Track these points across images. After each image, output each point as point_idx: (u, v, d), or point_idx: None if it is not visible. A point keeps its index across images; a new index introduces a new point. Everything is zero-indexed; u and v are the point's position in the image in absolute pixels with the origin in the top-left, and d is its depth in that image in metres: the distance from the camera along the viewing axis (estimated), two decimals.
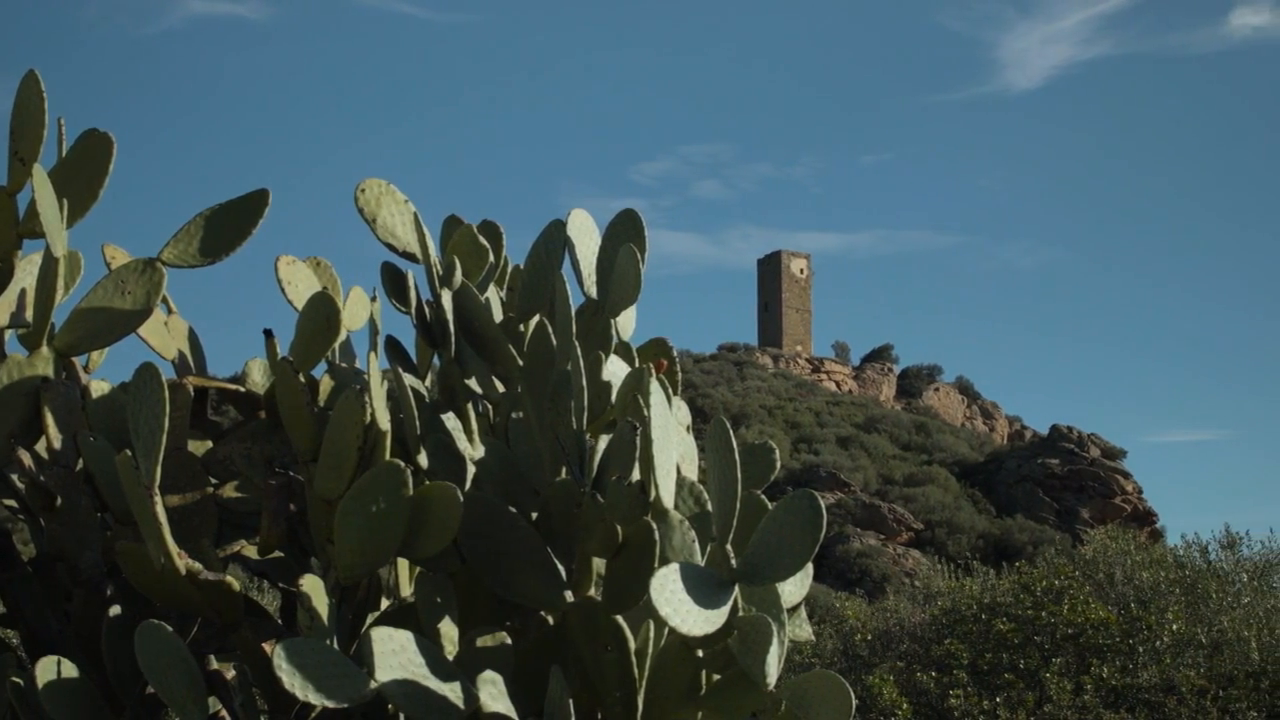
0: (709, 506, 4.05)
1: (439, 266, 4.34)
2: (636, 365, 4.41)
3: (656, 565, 3.69)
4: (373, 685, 3.38)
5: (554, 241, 4.50)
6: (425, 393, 4.48)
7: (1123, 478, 68.78)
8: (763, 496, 4.20)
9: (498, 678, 3.58)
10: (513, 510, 4.10)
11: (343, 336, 4.65)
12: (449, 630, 3.99)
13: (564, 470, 4.13)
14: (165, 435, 3.57)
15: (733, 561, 3.77)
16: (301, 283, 4.52)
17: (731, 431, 3.83)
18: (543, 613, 4.21)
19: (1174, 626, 16.70)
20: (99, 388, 4.35)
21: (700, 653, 3.95)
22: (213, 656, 4.23)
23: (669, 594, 3.45)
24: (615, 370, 4.35)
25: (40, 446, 4.13)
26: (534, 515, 4.19)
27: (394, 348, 4.62)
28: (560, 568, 4.08)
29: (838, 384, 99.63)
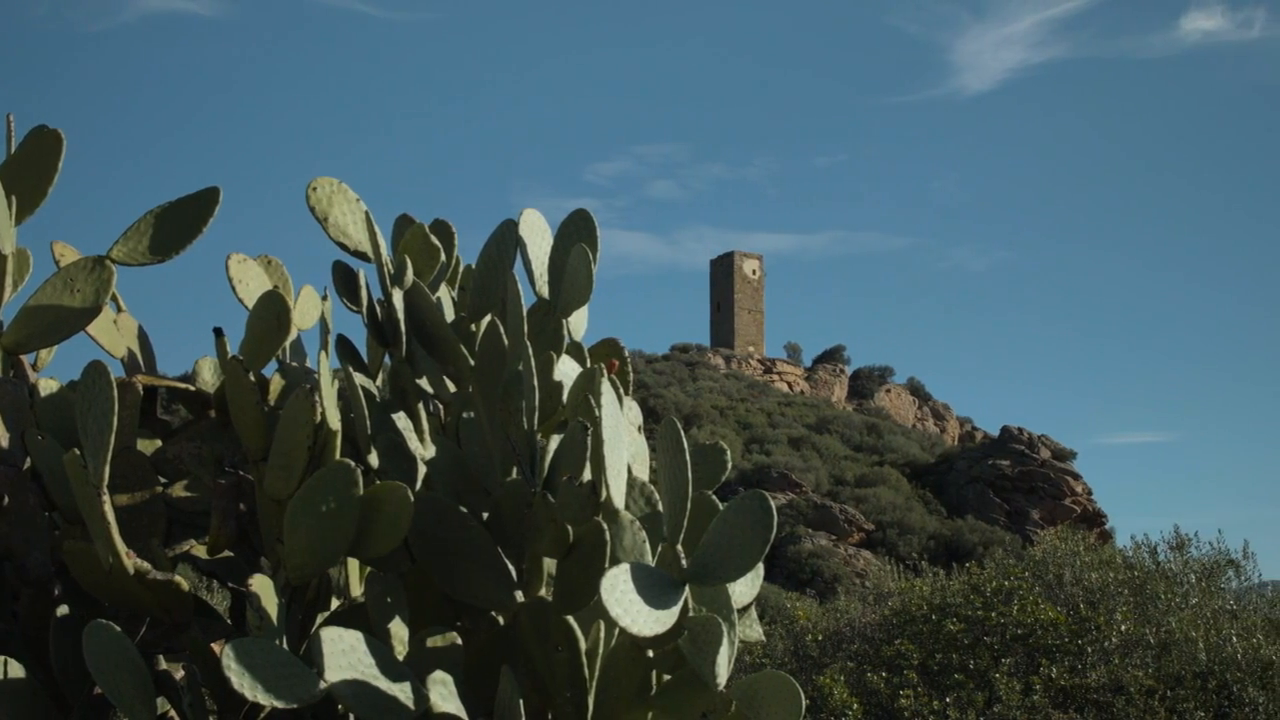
0: (660, 507, 4.06)
1: (390, 265, 4.33)
2: (588, 365, 4.41)
3: (607, 565, 3.69)
4: (322, 685, 3.37)
5: (506, 241, 4.49)
6: (376, 392, 4.47)
7: (1073, 479, 69.05)
8: (714, 497, 4.20)
9: (448, 678, 3.58)
10: (463, 510, 4.10)
11: (293, 335, 4.63)
12: (399, 630, 3.98)
13: (515, 470, 4.13)
14: (114, 434, 3.55)
15: (683, 562, 3.77)
16: (252, 281, 4.51)
17: (683, 432, 3.83)
18: (493, 613, 4.20)
19: (1122, 627, 16.80)
20: (47, 386, 4.32)
21: (651, 653, 3.95)
22: (161, 656, 4.21)
23: (619, 594, 3.45)
24: (567, 370, 4.35)
25: None
26: (485, 515, 4.18)
27: (345, 347, 4.60)
28: (511, 568, 4.08)
29: (789, 385, 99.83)
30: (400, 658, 3.84)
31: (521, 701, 3.68)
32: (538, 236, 4.54)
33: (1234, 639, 16.34)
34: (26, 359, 4.33)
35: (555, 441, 4.13)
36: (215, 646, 3.95)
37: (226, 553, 4.30)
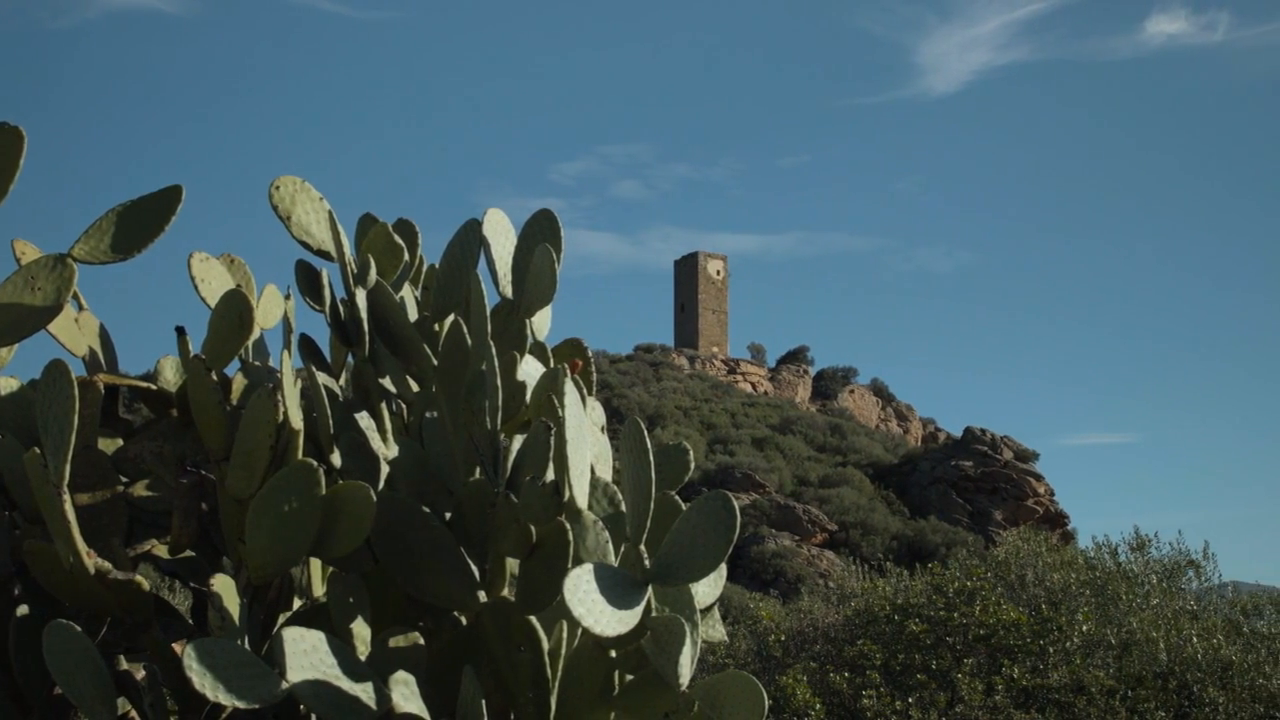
0: (623, 507, 4.06)
1: (353, 265, 4.32)
2: (551, 365, 4.41)
3: (570, 565, 3.69)
4: (284, 686, 3.36)
5: (470, 241, 4.49)
6: (339, 392, 4.46)
7: (1035, 480, 69.31)
8: (677, 497, 4.21)
9: (410, 678, 3.57)
10: (426, 510, 4.09)
11: (256, 334, 4.62)
12: (361, 630, 3.97)
13: (478, 470, 4.12)
14: (75, 433, 3.54)
15: (646, 562, 3.78)
16: (215, 280, 4.49)
17: (646, 432, 3.84)
18: (456, 613, 4.20)
19: (1084, 627, 16.88)
20: (7, 385, 4.30)
21: (613, 653, 3.96)
22: (122, 657, 4.19)
23: (582, 594, 3.45)
24: (530, 370, 4.35)
25: None
26: (448, 515, 4.18)
27: (308, 346, 4.59)
28: (474, 568, 4.07)
29: (753, 385, 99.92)
30: (362, 658, 3.84)
31: (484, 702, 3.68)
32: (501, 236, 4.54)
33: (1194, 639, 16.44)
34: None
35: (518, 441, 4.13)
36: (177, 646, 3.94)
37: (188, 552, 4.29)
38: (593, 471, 4.15)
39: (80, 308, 4.62)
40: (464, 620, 4.19)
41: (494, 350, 4.00)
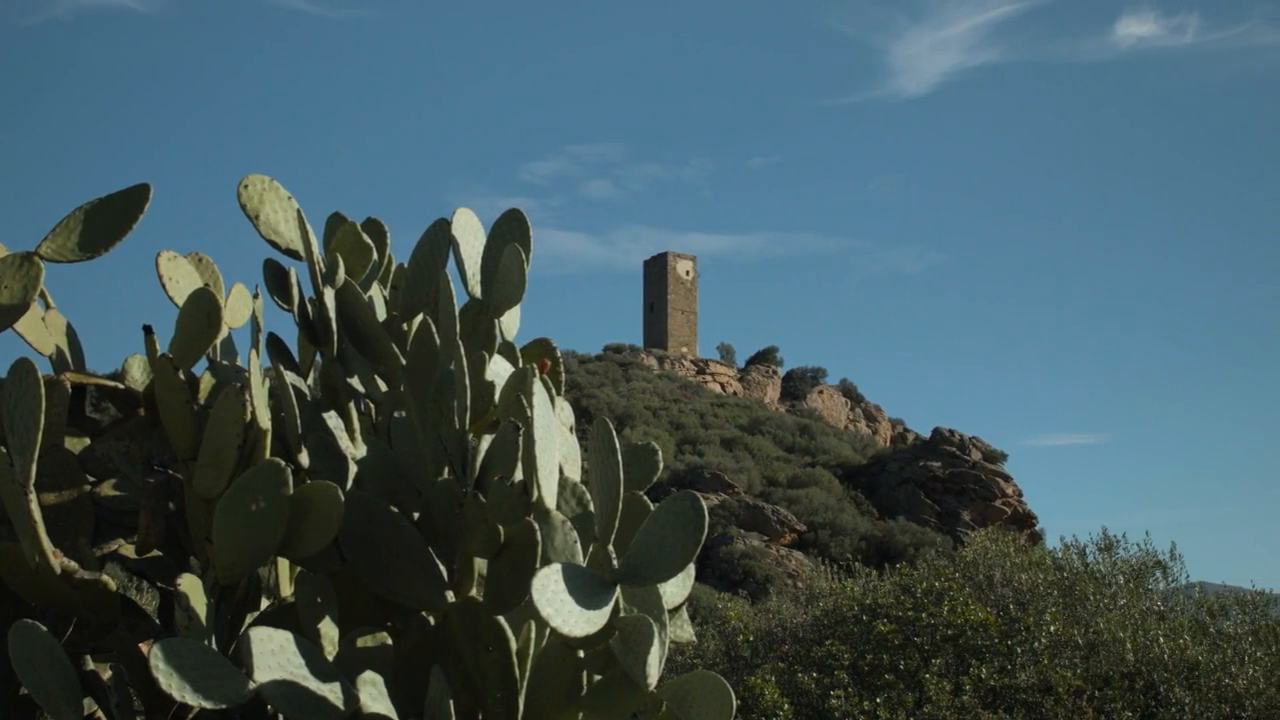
0: (591, 507, 4.06)
1: (322, 264, 4.31)
2: (520, 365, 4.41)
3: (538, 566, 3.69)
4: (251, 686, 3.35)
5: (439, 240, 4.49)
6: (307, 391, 4.46)
7: (1003, 481, 69.45)
8: (645, 498, 4.21)
9: (378, 678, 3.57)
10: (394, 510, 4.08)
11: (224, 334, 4.61)
12: (329, 630, 3.97)
13: (446, 470, 4.12)
14: (41, 432, 3.52)
15: (614, 562, 3.78)
16: (183, 279, 4.48)
17: (615, 432, 3.84)
18: (424, 613, 4.19)
19: (1051, 628, 16.92)
20: None
21: (581, 653, 3.96)
22: (89, 656, 4.18)
23: (550, 594, 3.45)
24: (499, 370, 4.35)
25: None
26: (416, 515, 4.18)
27: (276, 345, 4.58)
28: (442, 568, 4.07)
29: (722, 386, 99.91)
30: (330, 658, 3.83)
31: (452, 702, 3.68)
32: (470, 236, 4.54)
33: (1161, 639, 16.50)
34: None
35: (487, 441, 4.12)
36: (143, 646, 3.93)
37: (155, 552, 4.27)
38: (561, 472, 4.15)
39: (47, 306, 4.60)
40: (432, 620, 4.18)
41: (462, 350, 3.99)
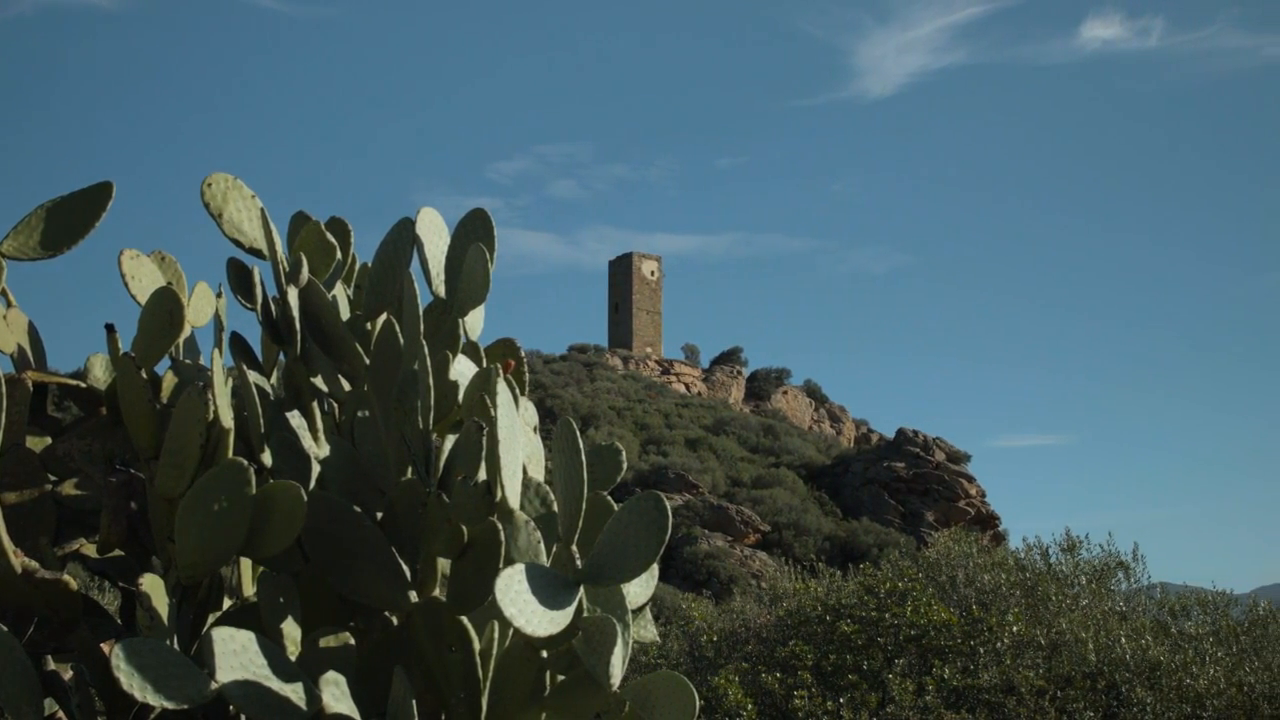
0: (555, 507, 4.06)
1: (285, 263, 4.30)
2: (484, 365, 4.41)
3: (501, 566, 3.70)
4: (213, 686, 3.34)
5: (403, 239, 4.48)
6: (270, 390, 4.45)
7: (967, 481, 69.67)
8: (609, 498, 4.22)
9: (341, 678, 3.56)
10: (357, 510, 4.08)
11: (187, 332, 4.59)
12: (292, 630, 3.96)
13: (410, 470, 4.12)
14: (2, 431, 3.51)
15: (578, 562, 3.78)
16: (145, 277, 4.46)
17: (578, 432, 3.84)
18: (387, 613, 4.19)
19: (1014, 628, 16.99)
20: None
21: (545, 653, 3.96)
22: (50, 657, 4.16)
23: (514, 594, 3.46)
24: (462, 370, 4.35)
25: None
26: (379, 515, 4.17)
27: (239, 345, 4.57)
28: (405, 568, 4.07)
29: (687, 386, 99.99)
30: (293, 658, 3.82)
31: (415, 702, 3.67)
32: (435, 235, 4.53)
33: (1123, 640, 16.58)
34: None
35: (450, 441, 4.12)
36: (105, 646, 3.91)
37: (117, 552, 4.26)
38: (525, 472, 4.15)
39: (9, 304, 4.58)
40: (395, 620, 4.18)
41: (426, 349, 3.99)
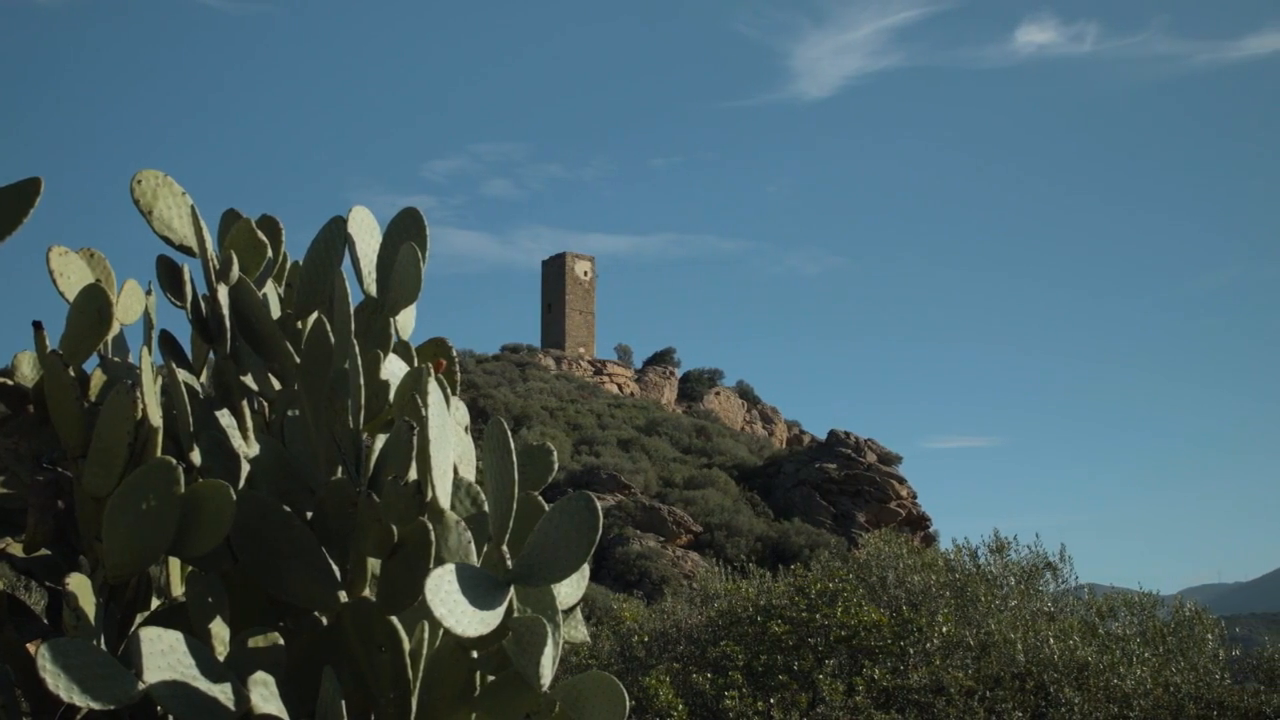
0: (486, 507, 4.06)
1: (216, 261, 4.29)
2: (415, 364, 4.40)
3: (432, 566, 3.69)
4: (140, 686, 3.33)
5: (334, 238, 4.47)
6: (200, 389, 4.43)
7: (898, 483, 69.96)
8: (540, 498, 4.22)
9: (269, 679, 3.55)
10: (287, 509, 4.07)
11: (116, 330, 4.56)
12: (220, 630, 3.94)
13: (340, 469, 4.11)
14: None
15: (508, 562, 3.79)
16: (74, 274, 4.43)
17: (510, 432, 3.84)
18: (316, 613, 4.18)
19: (944, 629, 17.11)
20: None
21: (475, 654, 3.96)
22: None
23: (444, 595, 3.45)
24: (394, 369, 4.35)
25: None
26: (309, 514, 4.16)
27: (169, 343, 4.55)
28: (335, 568, 4.06)
29: (619, 386, 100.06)
30: (221, 658, 3.81)
31: (344, 702, 3.67)
32: (366, 234, 4.52)
33: (1051, 640, 16.72)
34: None
35: (381, 441, 4.12)
36: (31, 646, 3.89)
37: (44, 551, 4.23)
38: (456, 471, 4.16)
39: None
40: (325, 620, 4.17)
41: (357, 349, 3.99)
